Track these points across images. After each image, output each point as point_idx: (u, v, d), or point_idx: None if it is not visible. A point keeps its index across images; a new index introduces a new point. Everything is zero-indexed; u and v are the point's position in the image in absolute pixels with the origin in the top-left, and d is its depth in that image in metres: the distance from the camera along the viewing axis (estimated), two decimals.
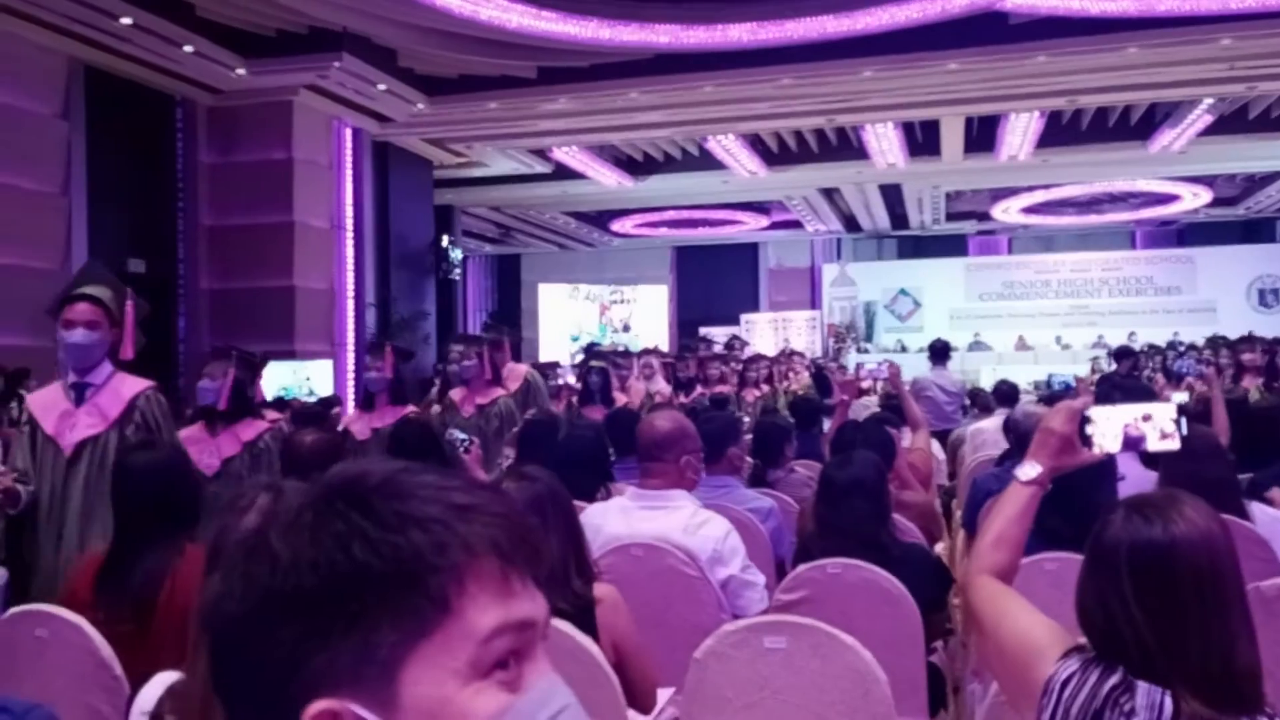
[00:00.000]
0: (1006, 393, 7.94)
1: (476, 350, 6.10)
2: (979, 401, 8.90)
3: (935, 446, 6.48)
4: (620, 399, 7.42)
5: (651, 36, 9.91)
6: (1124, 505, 1.69)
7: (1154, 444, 1.96)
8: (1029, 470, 1.96)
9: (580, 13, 9.55)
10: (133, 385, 3.62)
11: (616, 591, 2.53)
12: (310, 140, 11.51)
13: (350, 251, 12.31)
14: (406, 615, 0.70)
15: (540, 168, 15.15)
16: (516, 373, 6.43)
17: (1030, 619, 1.77)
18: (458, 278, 15.40)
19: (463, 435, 4.67)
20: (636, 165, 15.72)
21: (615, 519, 3.25)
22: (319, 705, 0.68)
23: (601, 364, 7.44)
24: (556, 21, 9.54)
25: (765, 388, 9.87)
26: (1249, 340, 8.07)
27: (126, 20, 9.04)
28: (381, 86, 11.07)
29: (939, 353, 9.38)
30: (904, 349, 19.32)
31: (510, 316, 22.60)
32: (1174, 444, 1.96)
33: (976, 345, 19.26)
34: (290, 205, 11.23)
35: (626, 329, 22.07)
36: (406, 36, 10.28)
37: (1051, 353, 18.39)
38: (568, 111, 11.99)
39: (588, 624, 2.37)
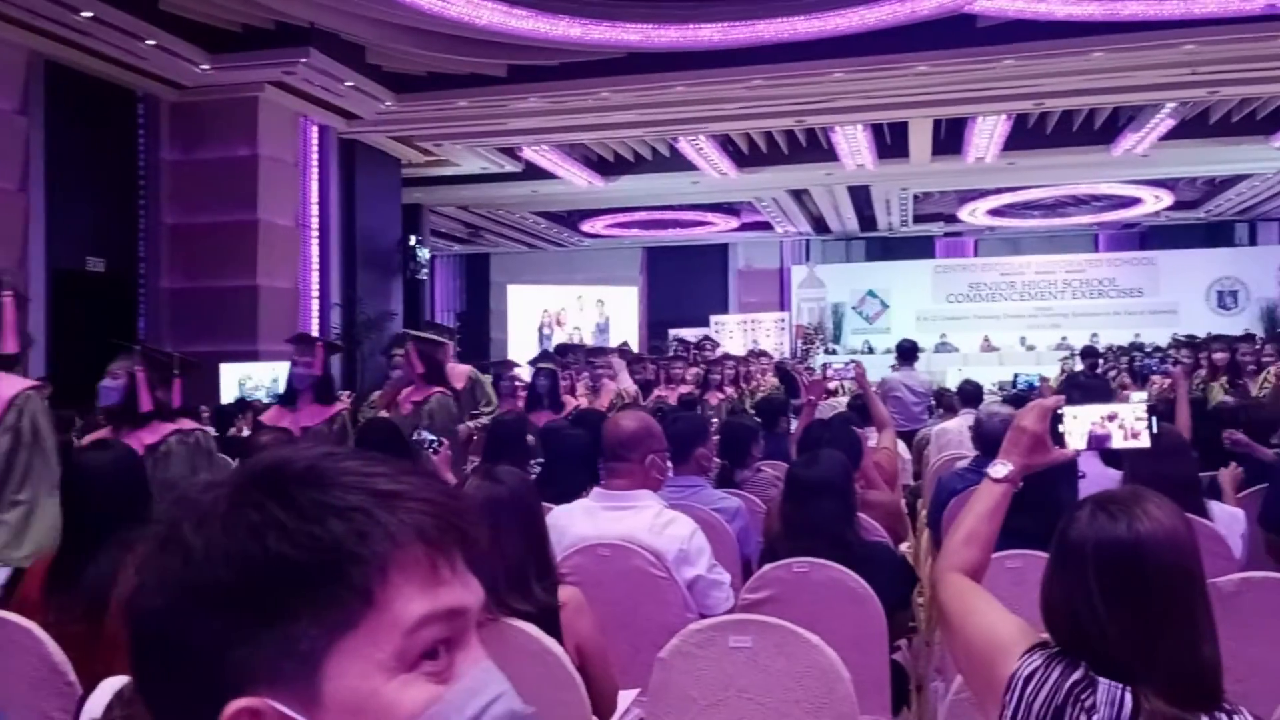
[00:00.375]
0: (971, 393, 7.99)
1: (402, 350, 5.88)
2: (944, 402, 8.97)
3: (901, 446, 6.52)
4: (581, 401, 7.30)
5: (622, 35, 9.90)
6: (1090, 503, 1.70)
7: (1119, 443, 1.97)
8: (1000, 468, 1.96)
9: (551, 10, 9.52)
10: (13, 384, 3.50)
11: (581, 595, 2.52)
12: (276, 137, 11.40)
13: (316, 251, 12.20)
14: (328, 608, 0.67)
15: (510, 167, 15.10)
16: (459, 372, 6.27)
17: (997, 615, 1.77)
18: (425, 278, 15.31)
19: (431, 436, 4.63)
20: (607, 165, 15.71)
21: (581, 519, 3.24)
22: (238, 704, 0.66)
23: (549, 366, 7.17)
24: (527, 19, 9.50)
25: (731, 389, 9.87)
26: (1219, 339, 8.15)
27: (87, 13, 8.91)
28: (349, 83, 10.99)
29: (906, 353, 9.44)
30: (871, 350, 19.46)
31: (479, 317, 22.54)
32: (1141, 443, 1.97)
33: (943, 346, 19.41)
34: (255, 203, 11.11)
35: (603, 330, 22.05)
36: (375, 33, 10.20)
37: (1016, 354, 18.58)
38: (538, 110, 11.96)
39: (552, 627, 2.36)
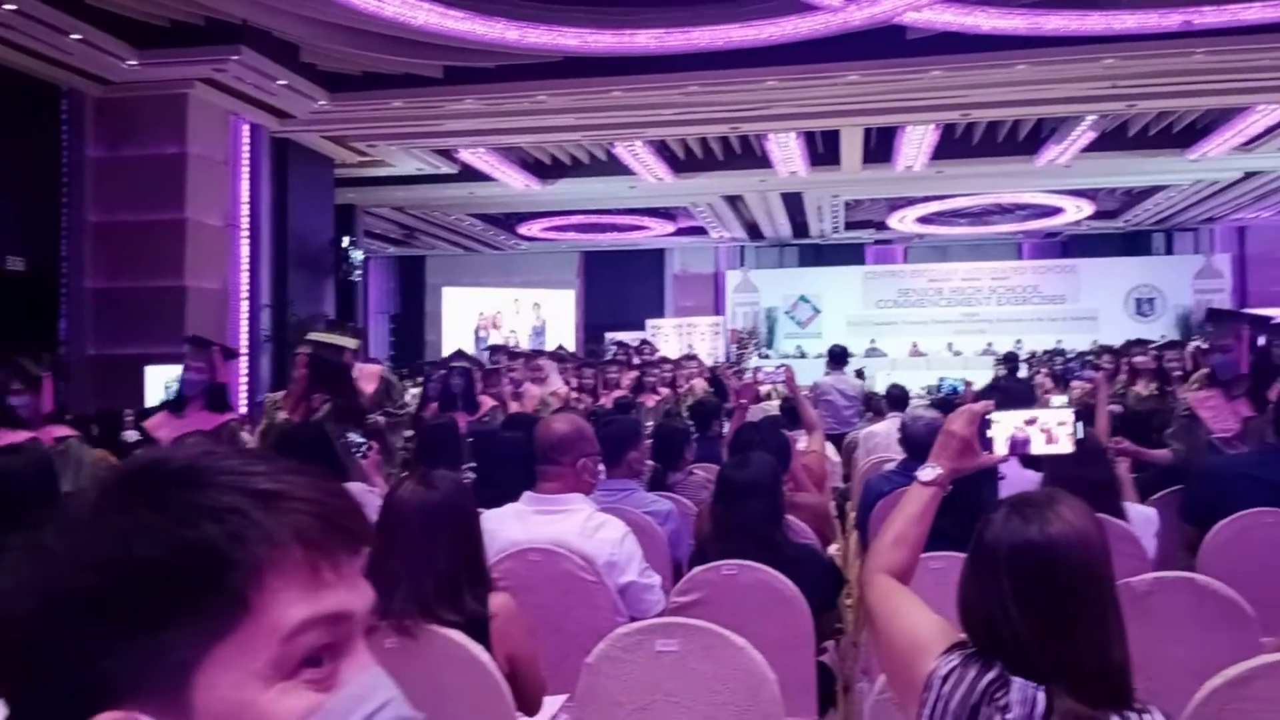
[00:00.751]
0: (898, 397, 8.14)
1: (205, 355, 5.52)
2: (872, 405, 9.11)
3: (830, 449, 6.62)
4: (513, 405, 7.19)
5: (559, 40, 9.92)
6: (1005, 505, 1.72)
7: (1039, 448, 1.99)
8: (929, 472, 1.99)
9: (487, 13, 9.51)
10: None
11: (513, 602, 2.51)
12: (205, 135, 11.22)
13: (246, 251, 12.03)
14: (200, 615, 0.64)
15: (446, 168, 15.01)
16: (369, 372, 6.08)
17: (919, 616, 1.80)
18: (359, 279, 15.17)
19: (360, 439, 4.58)
20: (545, 168, 15.70)
21: (512, 523, 3.23)
22: (105, 717, 0.63)
23: (464, 365, 6.98)
24: (463, 20, 9.47)
25: (666, 391, 9.93)
26: (1140, 344, 8.35)
27: (10, 6, 8.70)
28: (282, 82, 10.86)
29: (837, 358, 9.58)
30: (803, 354, 19.68)
31: (413, 320, 22.36)
32: (1062, 448, 2.00)
33: (873, 351, 19.71)
34: (183, 202, 10.92)
35: (540, 333, 22.00)
36: (309, 31, 10.10)
37: (943, 359, 18.94)
38: (474, 112, 11.92)
39: (482, 636, 2.35)
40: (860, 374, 12.37)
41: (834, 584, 3.65)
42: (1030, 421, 1.99)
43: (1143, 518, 3.83)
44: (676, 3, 9.60)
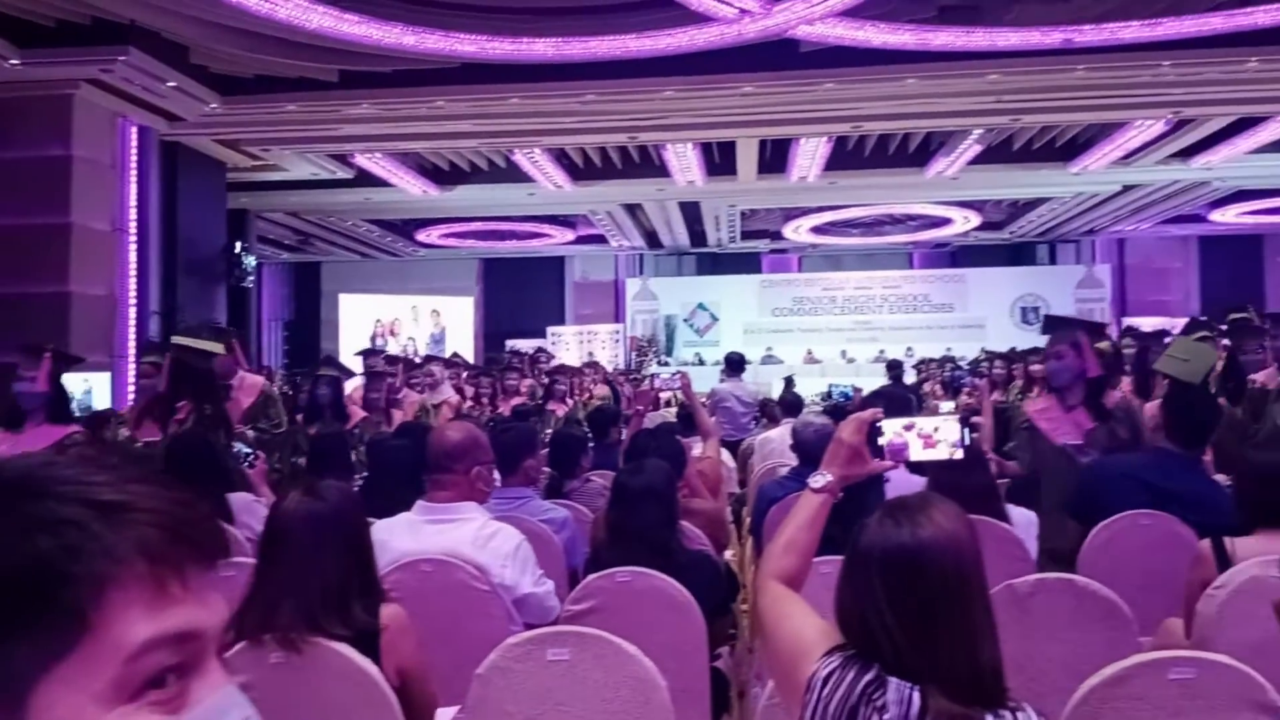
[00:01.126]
0: (792, 403, 8.28)
1: (153, 359, 5.43)
2: (767, 412, 9.27)
3: (726, 455, 6.71)
4: (396, 415, 7.06)
5: (457, 45, 9.86)
6: (879, 510, 1.77)
7: (919, 454, 2.04)
8: (820, 479, 2.03)
9: (384, 17, 9.43)
10: None
11: (404, 614, 2.49)
12: (91, 137, 10.86)
13: (133, 256, 11.66)
14: (36, 633, 0.61)
15: (342, 173, 14.78)
16: (251, 384, 5.89)
17: (805, 621, 1.83)
18: (251, 285, 14.85)
19: (247, 449, 4.50)
20: (443, 174, 15.58)
21: (403, 534, 3.20)
22: None
23: (333, 373, 6.66)
24: (359, 24, 9.37)
25: (569, 400, 9.98)
26: (1035, 351, 8.61)
27: None
28: (171, 84, 10.58)
29: (734, 365, 9.73)
30: (702, 361, 19.91)
31: (308, 327, 21.97)
32: (939, 454, 2.04)
33: (769, 358, 20.05)
34: (68, 206, 10.54)
35: (439, 340, 21.80)
36: (200, 33, 9.86)
37: (837, 365, 19.36)
38: (371, 117, 11.78)
39: (371, 648, 2.33)
40: (790, 381, 12.61)
41: (728, 589, 3.70)
42: (908, 427, 2.04)
43: (1025, 520, 3.96)
44: (575, 12, 9.65)
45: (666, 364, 19.80)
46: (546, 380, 10.18)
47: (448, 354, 14.77)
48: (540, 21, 9.73)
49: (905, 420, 2.05)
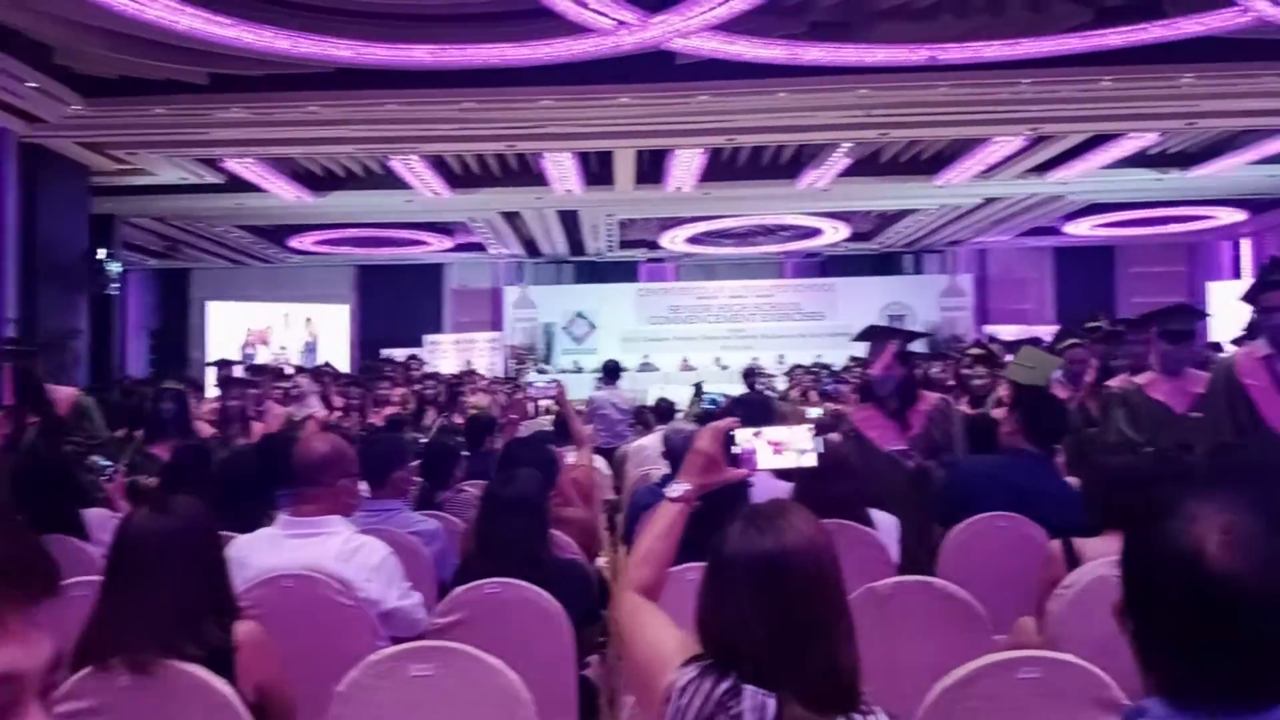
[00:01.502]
0: (664, 410, 8.42)
1: None
2: (642, 419, 9.42)
3: (601, 462, 6.77)
4: (258, 427, 6.86)
5: (332, 50, 9.73)
6: (738, 519, 1.78)
7: (765, 462, 2.05)
8: (677, 488, 2.05)
9: (256, 20, 9.26)
10: None
11: (261, 631, 2.42)
12: None
13: None
14: None
15: (211, 178, 14.32)
16: (63, 396, 5.60)
17: (663, 632, 1.84)
18: (116, 293, 14.35)
19: (106, 462, 4.35)
20: (317, 180, 15.27)
21: (264, 549, 3.12)
22: None
23: (176, 387, 6.32)
24: (230, 27, 9.18)
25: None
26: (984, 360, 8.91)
27: None
28: (31, 84, 10.17)
29: (610, 373, 9.87)
30: (580, 369, 20.01)
31: (176, 335, 21.28)
32: (786, 461, 2.06)
33: (646, 366, 20.27)
34: None
35: (312, 348, 21.35)
36: (64, 32, 9.48)
37: (712, 373, 19.62)
38: (242, 121, 11.50)
39: (226, 668, 2.27)
40: (699, 390, 12.78)
41: (598, 597, 3.71)
42: (758, 435, 2.05)
43: (889, 524, 4.05)
44: (453, 19, 9.64)
45: (545, 371, 19.83)
46: (417, 389, 10.11)
47: (320, 362, 14.52)
48: (418, 28, 9.68)
49: (767, 429, 2.07)
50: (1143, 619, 1.37)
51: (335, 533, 3.13)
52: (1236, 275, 19.91)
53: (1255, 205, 17.33)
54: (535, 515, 3.45)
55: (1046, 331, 12.17)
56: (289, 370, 11.05)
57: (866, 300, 21.38)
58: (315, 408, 8.43)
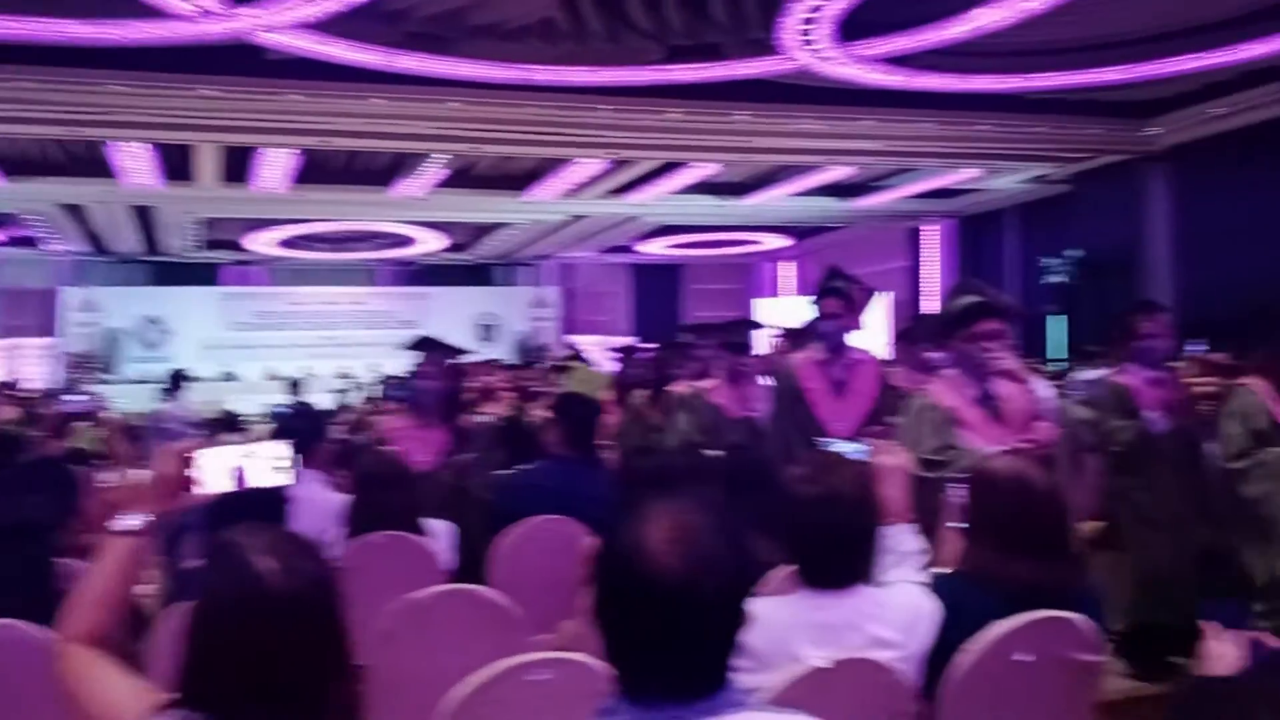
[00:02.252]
0: (227, 421, 8.28)
1: None
2: (209, 430, 9.17)
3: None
4: None
5: None
6: (217, 554, 1.69)
7: (215, 483, 2.03)
8: (128, 521, 1.89)
9: None
10: None
11: None
12: None
13: None
14: None
15: None
16: None
17: (124, 685, 1.72)
18: None
19: None
20: None
21: None
22: None
23: None
24: None
25: None
26: (489, 363, 9.30)
27: None
28: None
29: (174, 383, 9.54)
30: (150, 380, 18.59)
31: None
32: (268, 480, 2.08)
33: (228, 375, 19.29)
34: None
35: None
36: None
37: (301, 381, 19.00)
38: None
39: None
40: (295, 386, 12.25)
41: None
42: (238, 455, 2.06)
43: (442, 531, 4.13)
44: None
45: (109, 382, 18.28)
46: None
47: None
48: None
49: (241, 449, 2.08)
50: (604, 617, 1.43)
51: None
52: (775, 293, 22.77)
53: (798, 232, 19.65)
54: (40, 544, 3.18)
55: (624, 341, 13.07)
56: None
57: (459, 310, 21.70)
58: None
